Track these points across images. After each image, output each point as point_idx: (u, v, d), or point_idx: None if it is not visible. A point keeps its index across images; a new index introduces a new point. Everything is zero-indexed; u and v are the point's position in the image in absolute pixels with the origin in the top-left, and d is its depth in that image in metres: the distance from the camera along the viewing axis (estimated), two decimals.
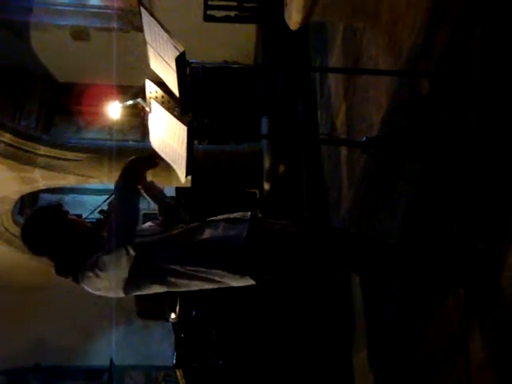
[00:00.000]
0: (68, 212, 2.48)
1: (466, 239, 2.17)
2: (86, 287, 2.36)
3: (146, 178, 2.57)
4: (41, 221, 2.42)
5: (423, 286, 2.49)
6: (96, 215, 2.50)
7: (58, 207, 2.49)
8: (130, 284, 2.31)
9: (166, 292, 2.46)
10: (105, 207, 2.51)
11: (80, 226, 2.46)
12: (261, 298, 4.04)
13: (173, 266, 2.28)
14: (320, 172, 4.99)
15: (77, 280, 2.37)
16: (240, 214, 2.38)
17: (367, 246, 2.31)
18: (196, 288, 2.39)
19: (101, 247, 2.30)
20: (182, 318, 4.25)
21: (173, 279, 2.31)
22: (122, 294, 2.37)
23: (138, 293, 2.42)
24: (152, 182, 2.69)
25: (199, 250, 2.28)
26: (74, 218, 2.49)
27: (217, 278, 2.28)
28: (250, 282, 2.29)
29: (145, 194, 2.61)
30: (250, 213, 2.36)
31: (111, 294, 2.42)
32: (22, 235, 2.43)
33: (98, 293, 2.38)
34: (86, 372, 8.77)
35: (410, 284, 2.43)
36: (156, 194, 2.68)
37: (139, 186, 2.47)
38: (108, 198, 2.51)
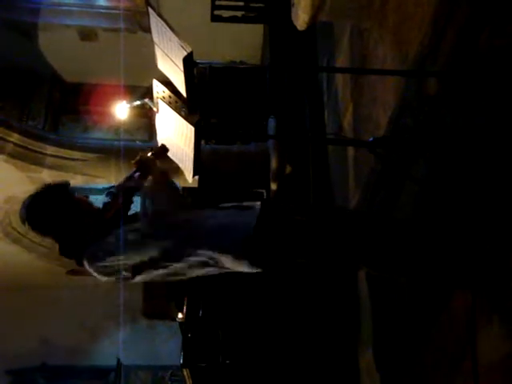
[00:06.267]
0: (75, 192, 2.42)
1: (473, 240, 2.16)
2: (93, 271, 2.29)
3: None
4: (49, 198, 2.34)
5: (431, 284, 2.47)
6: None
7: (66, 185, 2.42)
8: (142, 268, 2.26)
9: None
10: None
11: (87, 207, 2.41)
12: (268, 298, 4.04)
13: (184, 250, 2.22)
14: (327, 172, 4.98)
15: (80, 262, 2.31)
16: (250, 202, 2.33)
17: (377, 236, 2.23)
18: (199, 274, 2.31)
19: (106, 229, 2.27)
20: (189, 317, 4.25)
21: (179, 264, 2.25)
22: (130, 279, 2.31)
23: (144, 277, 2.34)
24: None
25: (209, 234, 2.23)
26: (82, 197, 2.43)
27: (222, 261, 2.21)
28: (255, 269, 2.22)
29: None
30: (259, 202, 2.32)
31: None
32: (27, 212, 2.31)
33: (105, 278, 2.31)
34: (92, 371, 8.78)
35: (418, 280, 2.41)
36: None
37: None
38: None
